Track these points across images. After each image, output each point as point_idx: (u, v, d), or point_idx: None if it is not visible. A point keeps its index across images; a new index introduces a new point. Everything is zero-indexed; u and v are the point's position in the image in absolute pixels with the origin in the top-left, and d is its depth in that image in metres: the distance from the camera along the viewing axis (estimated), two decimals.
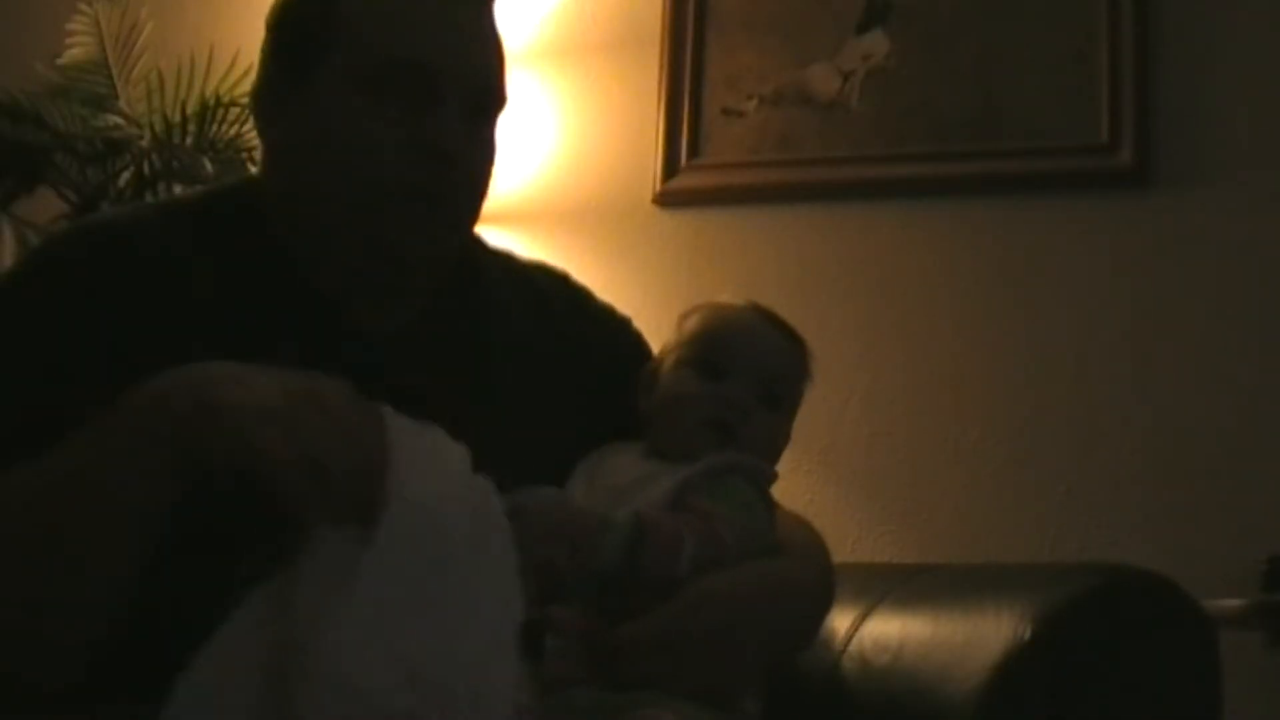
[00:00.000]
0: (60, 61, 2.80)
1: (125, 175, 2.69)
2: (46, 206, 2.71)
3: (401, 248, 1.30)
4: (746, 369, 1.34)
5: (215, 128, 2.67)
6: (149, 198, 2.65)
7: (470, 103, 1.31)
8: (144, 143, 2.68)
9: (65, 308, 1.26)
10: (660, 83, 2.77)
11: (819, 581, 1.39)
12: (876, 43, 2.66)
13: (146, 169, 2.67)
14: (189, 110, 2.67)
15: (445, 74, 1.29)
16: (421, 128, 1.28)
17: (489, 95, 1.33)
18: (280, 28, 1.35)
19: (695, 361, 1.35)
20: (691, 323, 1.39)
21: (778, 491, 1.36)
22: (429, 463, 1.12)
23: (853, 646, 1.46)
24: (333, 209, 1.29)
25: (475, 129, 1.32)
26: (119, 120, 2.73)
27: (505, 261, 1.50)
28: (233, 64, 2.61)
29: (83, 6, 2.83)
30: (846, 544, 2.48)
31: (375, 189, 1.28)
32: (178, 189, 2.64)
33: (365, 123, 1.27)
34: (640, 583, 1.22)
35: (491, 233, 1.62)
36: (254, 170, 1.43)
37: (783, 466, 1.38)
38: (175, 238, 1.32)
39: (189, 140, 2.67)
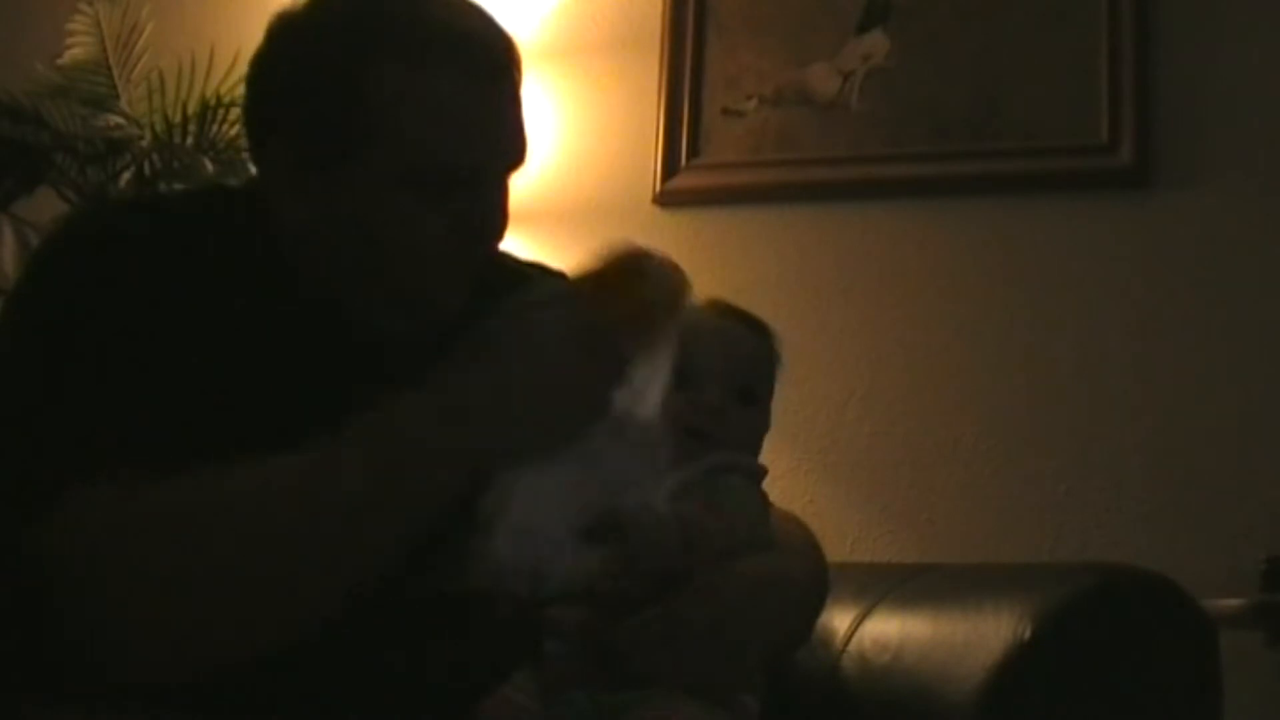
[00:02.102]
0: (60, 61, 2.80)
1: (126, 175, 2.69)
2: (46, 206, 2.71)
3: (434, 306, 1.31)
4: (715, 372, 1.34)
5: (216, 128, 2.66)
6: None
7: (506, 172, 1.31)
8: (144, 143, 2.68)
9: (121, 266, 1.26)
10: (660, 83, 2.77)
11: (814, 577, 1.40)
12: (876, 43, 2.66)
13: (147, 169, 2.67)
14: (189, 110, 2.67)
15: (486, 167, 1.29)
16: (465, 215, 1.27)
17: (521, 157, 1.32)
18: (299, 107, 1.27)
19: None
20: None
21: (778, 491, 1.36)
22: None
23: (853, 646, 1.46)
24: (366, 281, 1.29)
25: (506, 184, 1.32)
26: (119, 120, 2.73)
27: (505, 261, 1.50)
28: (233, 64, 2.60)
29: (83, 6, 2.83)
30: (846, 544, 2.48)
31: (414, 271, 1.28)
32: (178, 189, 2.64)
33: (409, 217, 1.26)
34: (639, 581, 1.22)
35: None
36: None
37: (783, 466, 1.38)
38: (191, 229, 1.32)
39: (189, 140, 2.67)
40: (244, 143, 2.59)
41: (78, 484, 1.15)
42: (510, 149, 1.31)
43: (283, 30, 1.30)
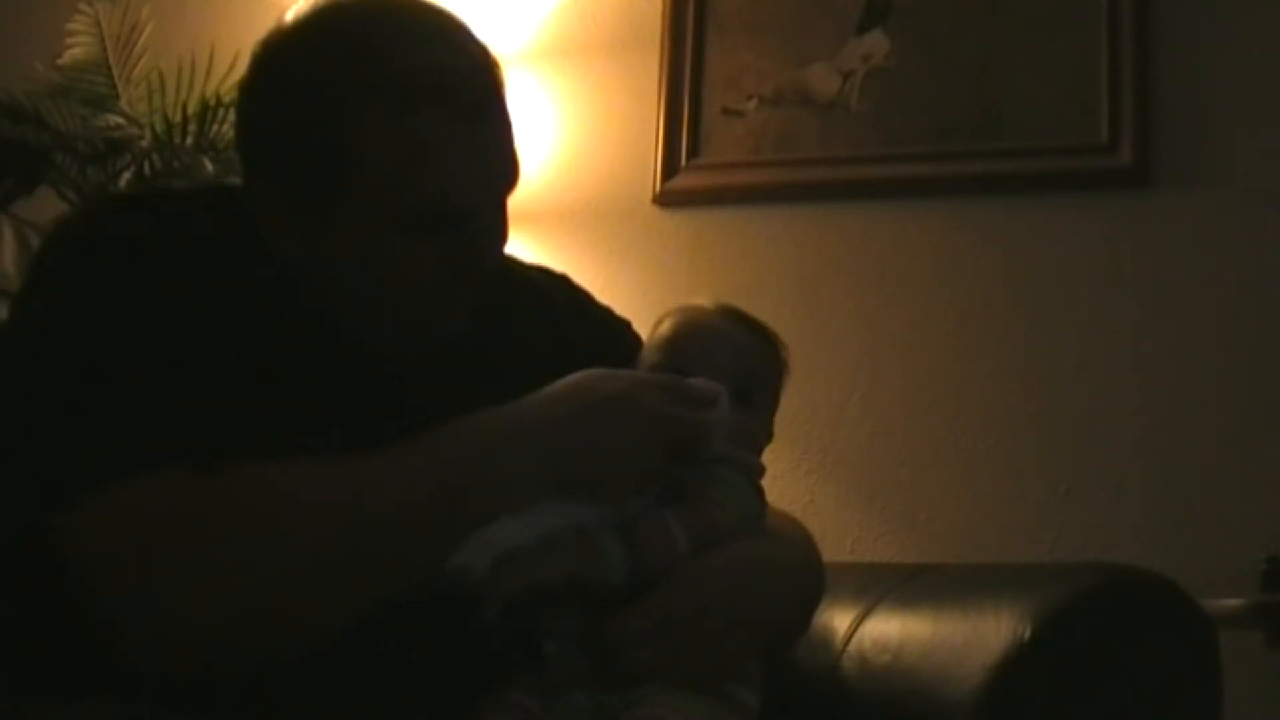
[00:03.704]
0: (60, 61, 2.80)
1: (126, 175, 2.69)
2: (46, 206, 2.71)
3: (436, 331, 1.31)
4: (712, 370, 1.34)
5: (216, 128, 2.66)
6: None
7: (501, 201, 1.31)
8: (144, 143, 2.68)
9: (117, 269, 1.26)
10: (660, 83, 2.77)
11: (807, 564, 1.39)
12: (876, 43, 2.66)
13: (147, 169, 2.67)
14: (189, 110, 2.66)
15: (478, 204, 1.28)
16: (460, 247, 1.27)
17: (513, 184, 1.31)
18: (276, 143, 1.27)
19: (663, 368, 1.36)
20: (661, 329, 1.41)
21: (777, 492, 1.36)
22: None
23: (852, 646, 1.46)
24: (364, 310, 1.30)
25: (502, 209, 1.32)
26: (119, 120, 2.73)
27: (507, 265, 1.50)
28: (233, 64, 2.60)
29: (83, 6, 2.83)
30: (846, 544, 2.48)
31: (412, 303, 1.28)
32: (180, 185, 2.64)
33: (401, 255, 1.25)
34: (646, 580, 1.23)
35: None
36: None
37: (783, 466, 1.39)
38: (200, 223, 1.32)
39: (189, 140, 2.66)
40: None
41: (115, 477, 1.16)
42: (501, 180, 1.30)
43: (268, 64, 1.29)
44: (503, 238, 1.32)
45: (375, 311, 1.29)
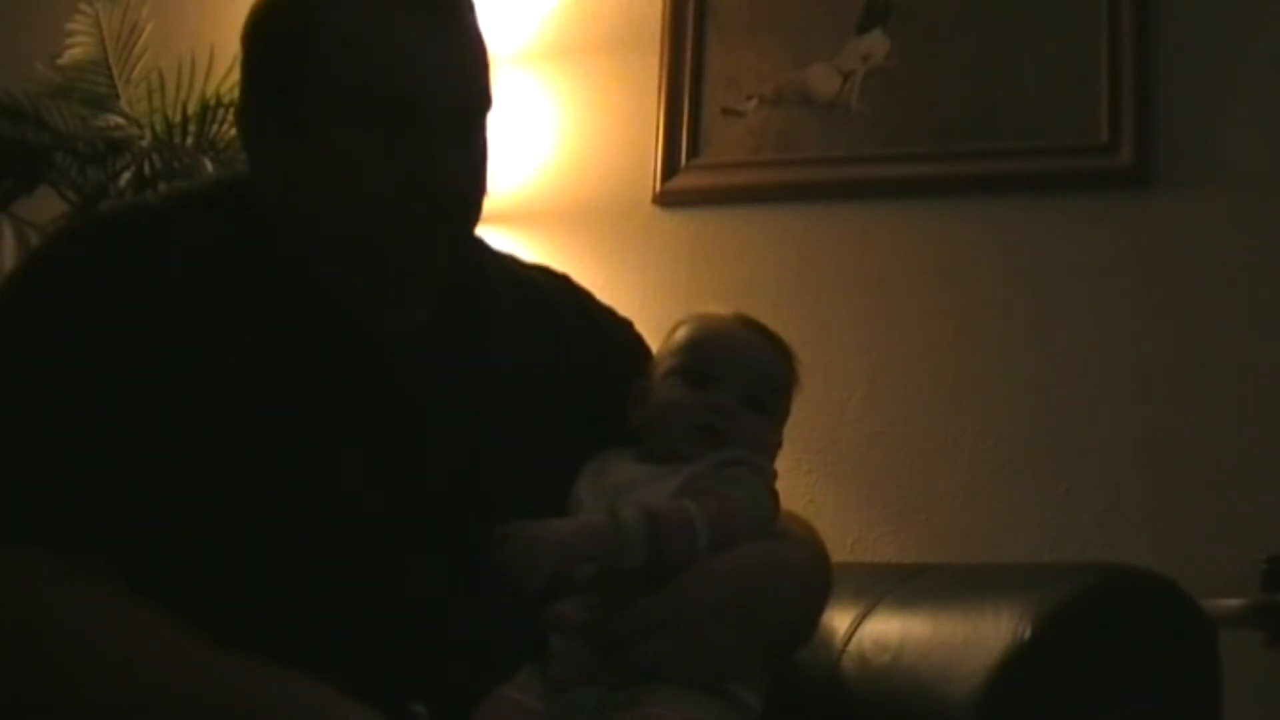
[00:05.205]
0: (60, 61, 2.80)
1: (126, 175, 2.69)
2: (46, 206, 2.71)
3: (405, 254, 1.30)
4: (731, 375, 1.36)
5: (216, 128, 2.66)
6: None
7: (458, 117, 1.30)
8: (144, 143, 2.68)
9: (79, 297, 1.26)
10: (660, 83, 2.77)
11: (817, 567, 1.40)
12: (876, 43, 2.66)
13: (147, 169, 2.67)
14: (189, 110, 2.67)
15: (427, 96, 1.28)
16: (415, 167, 1.27)
17: (475, 103, 1.32)
18: (254, 44, 1.33)
19: (682, 370, 1.38)
20: (679, 334, 1.42)
21: (778, 491, 1.37)
22: None
23: (853, 646, 1.46)
24: (328, 233, 1.30)
25: (467, 140, 1.31)
26: (119, 120, 2.73)
27: (507, 264, 1.50)
28: (233, 64, 2.59)
29: (83, 6, 2.83)
30: (846, 544, 2.48)
31: (371, 215, 1.28)
32: (173, 187, 2.64)
33: (355, 158, 1.26)
34: (662, 571, 1.23)
35: (491, 233, 1.62)
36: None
37: (782, 466, 1.39)
38: (186, 230, 1.32)
39: (189, 140, 2.67)
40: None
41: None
42: (458, 82, 1.30)
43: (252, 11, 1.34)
44: (470, 170, 1.32)
45: (337, 228, 1.28)
